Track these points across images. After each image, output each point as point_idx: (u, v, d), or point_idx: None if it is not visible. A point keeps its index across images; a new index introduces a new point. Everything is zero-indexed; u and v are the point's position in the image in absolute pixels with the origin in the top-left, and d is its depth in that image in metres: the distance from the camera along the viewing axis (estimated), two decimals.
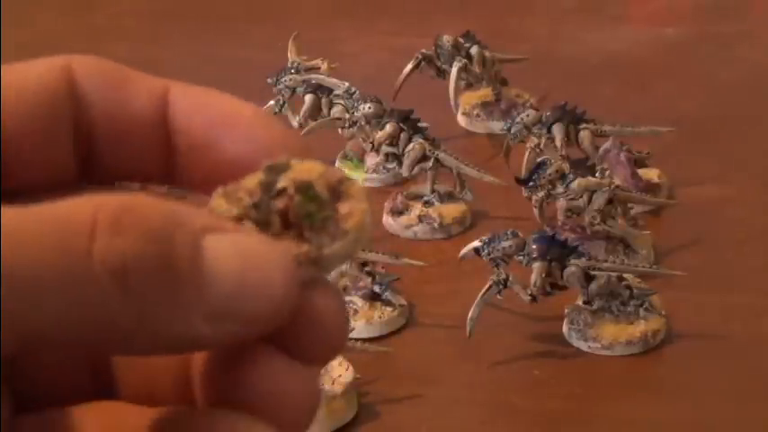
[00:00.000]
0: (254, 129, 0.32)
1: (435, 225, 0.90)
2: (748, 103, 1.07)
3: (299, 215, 0.29)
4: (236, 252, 0.28)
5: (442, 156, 0.90)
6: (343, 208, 0.29)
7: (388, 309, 0.80)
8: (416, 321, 0.80)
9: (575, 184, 0.82)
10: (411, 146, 0.89)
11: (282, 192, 0.29)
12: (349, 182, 0.30)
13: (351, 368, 0.72)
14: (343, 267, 0.78)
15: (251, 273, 0.28)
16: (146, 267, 0.27)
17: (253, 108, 0.33)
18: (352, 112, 0.93)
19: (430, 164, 0.90)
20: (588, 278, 0.76)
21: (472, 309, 0.75)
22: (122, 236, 0.27)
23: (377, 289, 0.80)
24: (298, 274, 0.29)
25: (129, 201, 0.28)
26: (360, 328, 0.78)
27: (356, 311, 0.79)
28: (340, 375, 0.71)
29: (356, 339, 0.75)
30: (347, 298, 0.80)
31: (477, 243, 0.76)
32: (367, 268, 0.80)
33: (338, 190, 0.30)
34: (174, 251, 0.27)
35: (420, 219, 0.90)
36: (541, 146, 0.90)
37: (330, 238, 0.29)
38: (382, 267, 0.81)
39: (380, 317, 0.79)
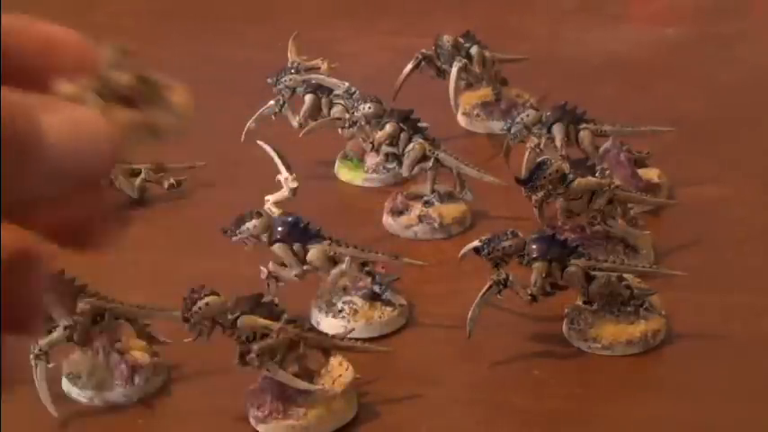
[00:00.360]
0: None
1: (435, 225, 0.90)
2: (748, 103, 1.07)
3: (138, 93, 0.37)
4: (69, 121, 0.36)
5: (442, 156, 0.90)
6: (173, 96, 0.37)
7: (388, 309, 0.80)
8: (416, 321, 0.80)
9: (575, 184, 0.81)
10: (411, 146, 0.89)
11: (125, 80, 0.37)
12: (176, 86, 0.38)
13: (351, 368, 0.72)
14: (343, 267, 0.78)
15: (82, 135, 0.36)
16: None
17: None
18: (352, 112, 0.93)
19: (430, 164, 0.90)
20: (588, 278, 0.76)
21: (472, 309, 0.75)
22: None
23: (377, 289, 0.80)
24: (121, 133, 0.36)
25: None
26: (360, 328, 0.78)
27: (356, 311, 0.79)
28: (340, 375, 0.71)
29: (356, 339, 0.75)
30: (347, 298, 0.80)
31: (477, 243, 0.76)
32: (367, 268, 0.80)
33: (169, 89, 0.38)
34: (17, 126, 0.34)
35: (420, 219, 0.90)
36: (541, 146, 0.90)
37: (162, 113, 0.37)
38: (382, 267, 0.81)
39: (380, 317, 0.79)
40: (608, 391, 0.73)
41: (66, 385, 0.75)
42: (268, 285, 0.79)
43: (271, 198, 0.80)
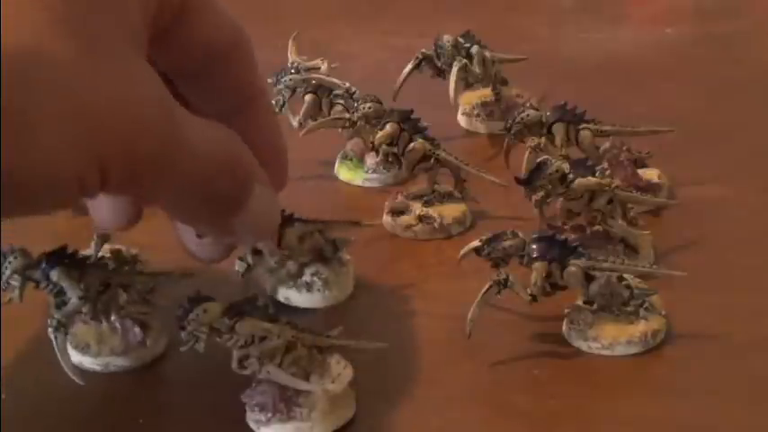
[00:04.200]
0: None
1: (435, 225, 0.90)
2: (748, 103, 1.07)
3: None
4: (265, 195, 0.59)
5: (442, 156, 0.90)
6: None
7: (343, 269, 0.81)
8: (416, 321, 0.80)
9: (575, 184, 0.81)
10: (411, 146, 0.89)
11: None
12: None
13: (350, 367, 0.72)
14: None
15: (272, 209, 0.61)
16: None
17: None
18: (353, 112, 0.93)
19: (430, 164, 0.90)
20: (588, 278, 0.76)
21: (472, 309, 0.75)
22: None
23: (329, 253, 0.81)
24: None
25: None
26: (328, 297, 0.80)
27: (327, 281, 0.80)
28: (339, 374, 0.71)
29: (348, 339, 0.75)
30: (312, 269, 0.80)
31: (477, 243, 0.76)
32: (325, 235, 0.81)
33: None
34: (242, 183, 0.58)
35: (420, 219, 0.90)
36: (541, 146, 0.90)
37: None
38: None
39: (334, 278, 0.80)
40: (608, 391, 0.73)
41: (76, 357, 0.75)
42: (242, 276, 0.79)
43: None
